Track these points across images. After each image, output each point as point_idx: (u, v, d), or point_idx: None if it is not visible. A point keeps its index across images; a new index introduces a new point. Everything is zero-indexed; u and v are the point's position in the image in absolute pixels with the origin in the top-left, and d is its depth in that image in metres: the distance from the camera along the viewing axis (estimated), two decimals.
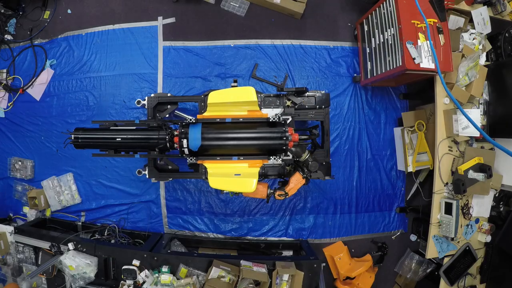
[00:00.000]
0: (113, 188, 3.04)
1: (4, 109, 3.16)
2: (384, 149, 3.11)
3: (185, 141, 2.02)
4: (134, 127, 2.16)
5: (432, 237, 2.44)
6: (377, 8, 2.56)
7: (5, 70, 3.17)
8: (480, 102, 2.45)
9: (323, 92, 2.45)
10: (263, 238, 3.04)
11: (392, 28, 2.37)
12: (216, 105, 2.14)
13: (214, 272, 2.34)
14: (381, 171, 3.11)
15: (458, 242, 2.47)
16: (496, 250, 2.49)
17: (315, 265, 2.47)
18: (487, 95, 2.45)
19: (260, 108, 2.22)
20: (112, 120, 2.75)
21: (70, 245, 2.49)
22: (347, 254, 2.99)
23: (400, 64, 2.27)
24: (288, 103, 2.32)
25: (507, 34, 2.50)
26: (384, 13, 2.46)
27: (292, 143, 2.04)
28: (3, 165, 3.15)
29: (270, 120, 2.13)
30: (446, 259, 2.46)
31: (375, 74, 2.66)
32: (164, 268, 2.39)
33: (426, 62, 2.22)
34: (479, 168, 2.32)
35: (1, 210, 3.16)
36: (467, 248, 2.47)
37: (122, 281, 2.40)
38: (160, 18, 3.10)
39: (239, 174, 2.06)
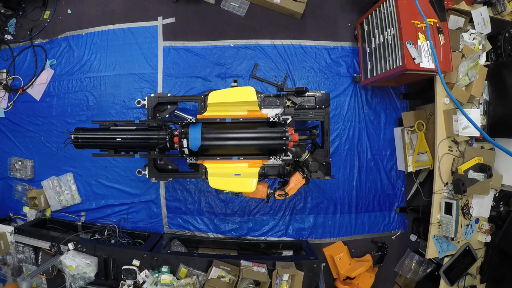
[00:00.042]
0: (113, 188, 3.04)
1: (4, 109, 3.16)
2: (384, 149, 3.11)
3: (185, 141, 2.02)
4: (134, 127, 2.16)
5: (432, 237, 2.44)
6: (377, 8, 2.56)
7: (5, 70, 3.17)
8: (480, 102, 2.45)
9: (323, 92, 2.45)
10: (263, 238, 3.04)
11: (392, 28, 2.37)
12: (216, 105, 2.14)
13: (214, 272, 2.34)
14: (381, 171, 3.11)
15: (458, 242, 2.47)
16: (496, 250, 2.49)
17: (315, 265, 2.47)
18: (487, 95, 2.45)
19: (260, 108, 2.22)
20: (112, 120, 2.76)
21: (70, 245, 2.49)
22: (347, 254, 2.99)
23: (400, 64, 2.27)
24: (288, 103, 2.32)
25: (507, 34, 2.50)
26: (384, 13, 2.46)
27: (292, 143, 2.04)
28: (3, 165, 3.15)
29: (270, 120, 2.13)
30: (446, 259, 2.46)
31: (375, 74, 2.66)
32: (164, 268, 2.39)
33: (426, 62, 2.22)
34: (479, 168, 2.32)
35: (1, 210, 3.16)
36: (467, 248, 2.47)
37: (122, 281, 2.40)
38: (160, 18, 3.10)
39: (239, 174, 2.06)
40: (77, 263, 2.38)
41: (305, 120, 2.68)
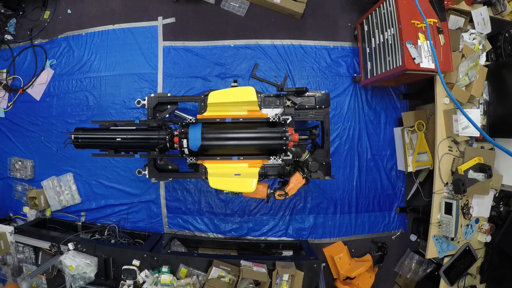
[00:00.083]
0: (113, 188, 3.04)
1: (4, 109, 3.16)
2: (384, 149, 3.11)
3: (185, 141, 2.02)
4: (134, 127, 2.16)
5: (432, 237, 2.44)
6: (377, 8, 2.56)
7: (5, 70, 3.17)
8: (480, 102, 2.45)
9: (323, 92, 2.45)
10: (263, 238, 3.04)
11: (392, 28, 2.37)
12: (216, 105, 2.14)
13: (214, 272, 2.34)
14: (381, 171, 3.11)
15: (458, 242, 2.47)
16: (496, 250, 2.49)
17: (315, 265, 2.47)
18: (487, 95, 2.45)
19: (260, 108, 2.22)
20: (112, 120, 2.76)
21: (70, 245, 2.49)
22: (347, 254, 2.99)
23: (400, 64, 2.27)
24: (288, 103, 2.32)
25: (507, 34, 2.50)
26: (384, 13, 2.46)
27: (292, 143, 2.04)
28: (3, 165, 3.15)
29: (270, 120, 2.13)
30: (446, 259, 2.46)
31: (375, 74, 2.66)
32: (164, 268, 2.39)
33: (426, 62, 2.22)
34: (479, 168, 2.32)
35: (1, 210, 3.16)
36: (467, 248, 2.47)
37: (122, 281, 2.40)
38: (160, 18, 3.10)
39: (239, 174, 2.06)
40: (77, 263, 2.38)
41: (305, 120, 2.68)
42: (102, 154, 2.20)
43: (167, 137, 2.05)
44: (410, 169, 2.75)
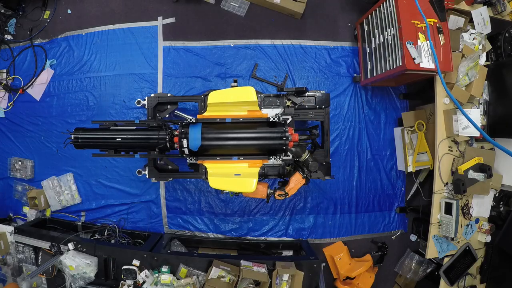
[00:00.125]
0: (113, 188, 3.04)
1: (4, 109, 3.16)
2: (384, 149, 3.11)
3: (185, 141, 2.02)
4: (134, 127, 2.16)
5: (432, 237, 2.44)
6: (377, 8, 2.56)
7: (5, 70, 3.17)
8: (480, 102, 2.45)
9: (323, 92, 2.45)
10: (263, 238, 3.04)
11: (392, 28, 2.37)
12: (216, 105, 2.14)
13: (214, 272, 2.34)
14: (381, 171, 3.11)
15: (458, 242, 2.47)
16: (496, 250, 2.49)
17: (315, 265, 2.47)
18: (487, 95, 2.45)
19: (260, 108, 2.22)
20: (112, 120, 2.75)
21: (70, 245, 2.49)
22: (347, 254, 2.99)
23: (400, 64, 2.27)
24: (288, 103, 2.32)
25: (507, 34, 2.50)
26: (384, 13, 2.46)
27: (292, 143, 2.04)
28: (3, 165, 3.15)
29: (270, 120, 2.13)
30: (446, 259, 2.46)
31: (375, 74, 2.66)
32: (164, 268, 2.39)
33: (426, 62, 2.22)
34: (479, 168, 2.32)
35: (1, 210, 3.16)
36: (467, 248, 2.47)
37: (122, 281, 2.40)
38: (160, 18, 3.10)
39: (239, 174, 2.06)
40: (77, 263, 2.38)
41: (305, 120, 2.68)
42: (102, 154, 2.20)
43: (167, 137, 2.05)
44: (410, 169, 2.75)
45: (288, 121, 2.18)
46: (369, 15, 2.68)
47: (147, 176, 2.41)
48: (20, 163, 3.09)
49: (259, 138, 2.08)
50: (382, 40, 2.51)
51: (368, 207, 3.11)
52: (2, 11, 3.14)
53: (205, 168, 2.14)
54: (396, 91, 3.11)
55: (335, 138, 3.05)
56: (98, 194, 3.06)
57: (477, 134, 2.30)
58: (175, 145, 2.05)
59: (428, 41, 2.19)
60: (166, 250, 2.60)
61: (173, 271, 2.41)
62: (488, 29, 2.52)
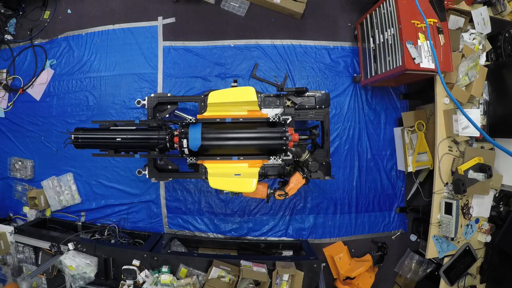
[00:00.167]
0: (113, 188, 3.04)
1: (4, 109, 3.16)
2: (384, 149, 3.11)
3: (185, 141, 2.02)
4: (134, 127, 2.16)
5: (432, 237, 2.44)
6: (377, 8, 2.56)
7: (5, 70, 3.17)
8: (480, 102, 2.45)
9: (323, 92, 2.45)
10: (263, 238, 3.04)
11: (392, 28, 2.37)
12: (216, 105, 2.14)
13: (214, 272, 2.34)
14: (381, 171, 3.11)
15: (458, 242, 2.47)
16: (496, 250, 2.49)
17: (315, 265, 2.47)
18: (487, 95, 2.45)
19: (260, 108, 2.22)
20: (112, 120, 2.75)
21: (70, 245, 2.49)
22: (347, 254, 2.99)
23: (400, 64, 2.27)
24: (288, 103, 2.32)
25: (507, 34, 2.50)
26: (384, 13, 2.46)
27: (292, 143, 2.04)
28: (3, 165, 3.15)
29: (270, 120, 2.13)
30: (446, 259, 2.46)
31: (375, 74, 2.66)
32: (164, 268, 2.39)
33: (426, 62, 2.22)
34: (479, 168, 2.32)
35: (1, 210, 3.16)
36: (467, 248, 2.47)
37: (122, 281, 2.40)
38: (160, 18, 3.10)
39: (239, 174, 2.06)
40: (77, 263, 2.38)
41: (305, 120, 2.68)
42: (102, 154, 2.20)
43: (167, 137, 2.05)
44: (410, 169, 2.75)
45: (288, 121, 2.18)
46: (369, 15, 2.68)
47: (147, 176, 2.42)
48: (20, 163, 3.09)
49: (259, 138, 2.08)
50: (382, 40, 2.51)
51: (368, 207, 3.11)
52: (2, 11, 3.14)
53: (205, 168, 2.14)
54: (396, 91, 3.11)
55: (335, 138, 3.05)
56: (98, 194, 3.06)
57: (477, 134, 2.30)
58: (175, 145, 2.05)
59: (428, 41, 2.19)
60: (166, 250, 2.60)
61: (173, 271, 2.41)
62: (488, 29, 2.52)
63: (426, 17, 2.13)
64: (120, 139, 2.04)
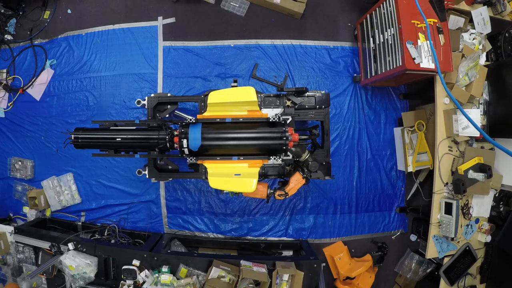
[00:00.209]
0: (113, 188, 3.04)
1: (4, 109, 3.16)
2: (384, 149, 3.11)
3: (185, 141, 2.02)
4: (134, 127, 2.16)
5: (432, 237, 2.44)
6: (377, 8, 2.56)
7: (5, 70, 3.17)
8: (480, 102, 2.45)
9: (323, 92, 2.45)
10: (263, 238, 3.04)
11: (392, 28, 2.37)
12: (216, 105, 2.14)
13: (214, 272, 2.34)
14: (381, 171, 3.11)
15: (458, 242, 2.47)
16: (496, 250, 2.49)
17: (315, 265, 2.47)
18: (487, 95, 2.45)
19: (260, 108, 2.22)
20: (112, 120, 2.75)
21: (70, 245, 2.49)
22: (347, 254, 2.99)
23: (400, 64, 2.27)
24: (288, 103, 2.32)
25: (507, 34, 2.50)
26: (384, 13, 2.46)
27: (292, 143, 2.04)
28: (3, 165, 3.15)
29: (270, 120, 2.13)
30: (446, 259, 2.46)
31: (375, 74, 2.66)
32: (164, 268, 2.39)
33: (426, 62, 2.22)
34: (479, 168, 2.32)
35: (1, 210, 3.16)
36: (467, 248, 2.47)
37: (122, 281, 2.40)
38: (160, 18, 3.10)
39: (239, 174, 2.06)
40: (77, 263, 2.38)
41: (305, 120, 2.68)
42: (102, 154, 2.20)
43: (167, 137, 2.05)
44: (410, 169, 2.75)
45: (288, 121, 2.18)
46: (369, 15, 2.68)
47: (147, 176, 2.42)
48: (20, 163, 3.09)
49: (259, 138, 2.08)
50: (382, 40, 2.51)
51: (368, 207, 3.11)
52: (2, 11, 3.14)
53: (205, 168, 2.14)
54: (396, 91, 3.11)
55: (335, 138, 3.05)
56: (98, 194, 3.06)
57: (477, 134, 2.30)
58: (175, 145, 2.05)
59: (428, 41, 2.19)
60: (166, 250, 2.60)
61: (173, 271, 2.41)
62: (488, 29, 2.52)
63: (426, 17, 2.13)
64: (120, 139, 2.04)
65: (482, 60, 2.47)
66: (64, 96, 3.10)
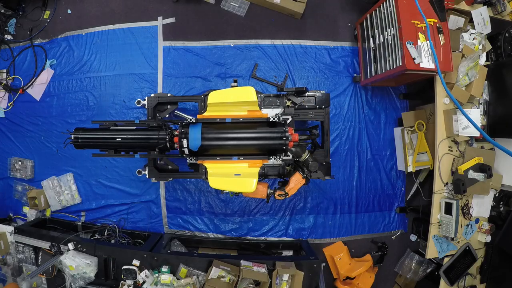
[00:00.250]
0: (113, 188, 3.04)
1: (4, 109, 3.16)
2: (384, 149, 3.11)
3: (185, 141, 2.02)
4: (134, 127, 2.16)
5: (432, 237, 2.44)
6: (377, 8, 2.56)
7: (5, 70, 3.17)
8: (480, 102, 2.45)
9: (323, 92, 2.45)
10: (263, 238, 3.04)
11: (392, 28, 2.37)
12: (216, 105, 2.14)
13: (214, 272, 2.34)
14: (381, 171, 3.11)
15: (458, 242, 2.47)
16: (496, 250, 2.49)
17: (315, 265, 2.47)
18: (487, 95, 2.45)
19: (260, 108, 2.22)
20: (112, 120, 2.76)
21: (70, 245, 2.49)
22: (347, 254, 2.99)
23: (400, 64, 2.27)
24: (288, 103, 2.32)
25: (507, 34, 2.50)
26: (384, 13, 2.46)
27: (292, 143, 2.04)
28: (3, 165, 3.15)
29: (270, 120, 2.13)
30: (446, 259, 2.46)
31: (375, 74, 2.66)
32: (164, 268, 2.39)
33: (426, 62, 2.22)
34: (479, 168, 2.32)
35: (1, 210, 3.16)
36: (467, 248, 2.47)
37: (122, 281, 2.40)
38: (160, 18, 3.10)
39: (239, 174, 2.06)
40: (77, 263, 2.38)
41: (305, 120, 2.68)
42: (102, 154, 2.20)
43: (167, 137, 2.05)
44: (410, 169, 2.75)
45: (288, 121, 2.18)
46: (369, 15, 2.68)
47: (147, 176, 2.42)
48: (20, 163, 3.09)
49: (259, 138, 2.08)
50: (382, 40, 2.51)
51: (368, 207, 3.11)
52: (2, 11, 3.14)
53: (205, 168, 2.14)
54: (396, 91, 3.11)
55: (335, 138, 3.05)
56: (98, 194, 3.06)
57: (477, 134, 2.30)
58: (175, 145, 2.05)
59: (428, 41, 2.19)
60: (166, 250, 2.60)
61: (173, 271, 2.41)
62: (488, 29, 2.52)
63: (426, 17, 2.13)
64: (120, 139, 2.04)
65: (482, 60, 2.47)
66: (64, 96, 3.10)
